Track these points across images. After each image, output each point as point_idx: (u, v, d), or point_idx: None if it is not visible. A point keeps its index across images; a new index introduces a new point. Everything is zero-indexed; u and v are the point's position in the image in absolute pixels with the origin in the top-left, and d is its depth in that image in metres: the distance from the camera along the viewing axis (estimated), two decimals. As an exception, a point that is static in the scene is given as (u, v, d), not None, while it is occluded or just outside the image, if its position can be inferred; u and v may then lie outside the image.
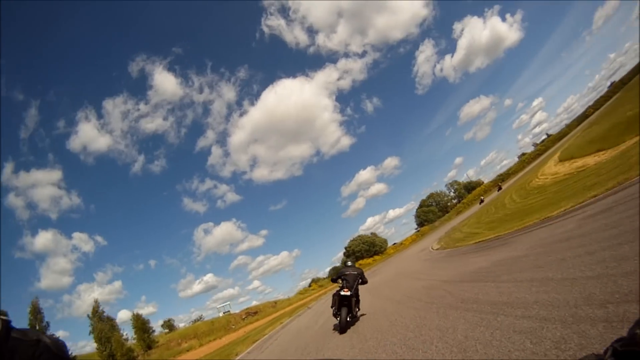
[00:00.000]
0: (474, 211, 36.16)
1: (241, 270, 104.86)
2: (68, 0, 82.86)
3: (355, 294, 7.07)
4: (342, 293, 6.77)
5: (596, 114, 50.18)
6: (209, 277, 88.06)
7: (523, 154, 76.97)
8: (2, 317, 0.45)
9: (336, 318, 6.99)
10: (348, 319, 6.77)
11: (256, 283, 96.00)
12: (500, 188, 43.58)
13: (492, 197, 39.92)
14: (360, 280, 7.41)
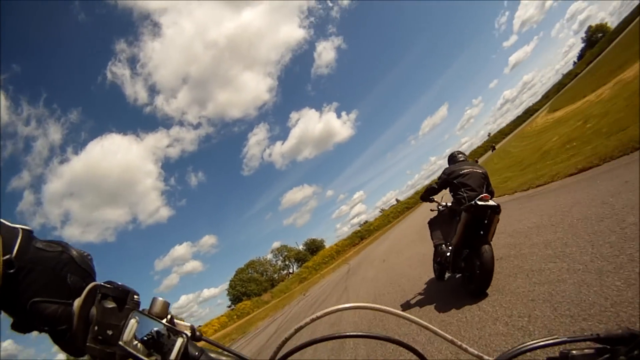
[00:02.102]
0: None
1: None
2: None
3: None
4: (481, 202, 3.25)
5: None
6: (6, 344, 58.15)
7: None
8: (24, 227, 0.42)
9: (449, 271, 3.76)
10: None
11: (57, 362, 68.19)
12: (494, 148, 47.45)
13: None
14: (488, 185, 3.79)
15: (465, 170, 3.78)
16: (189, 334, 0.46)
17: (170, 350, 0.44)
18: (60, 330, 0.41)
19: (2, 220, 0.41)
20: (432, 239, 4.33)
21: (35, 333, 0.42)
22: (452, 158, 4.33)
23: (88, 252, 0.47)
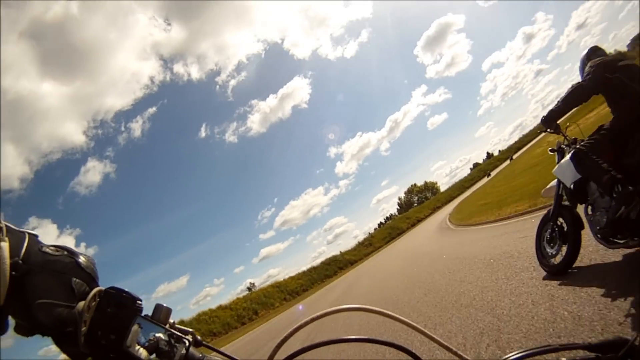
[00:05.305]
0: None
1: None
2: None
3: None
4: None
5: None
6: None
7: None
8: (30, 231, 0.43)
9: (626, 239, 2.20)
10: None
11: None
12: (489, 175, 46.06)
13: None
14: None
15: (625, 62, 2.45)
16: (191, 340, 0.47)
17: (173, 356, 0.44)
18: (64, 333, 0.42)
19: (8, 224, 0.41)
20: (589, 175, 2.44)
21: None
22: (595, 51, 2.75)
23: (92, 257, 0.48)
